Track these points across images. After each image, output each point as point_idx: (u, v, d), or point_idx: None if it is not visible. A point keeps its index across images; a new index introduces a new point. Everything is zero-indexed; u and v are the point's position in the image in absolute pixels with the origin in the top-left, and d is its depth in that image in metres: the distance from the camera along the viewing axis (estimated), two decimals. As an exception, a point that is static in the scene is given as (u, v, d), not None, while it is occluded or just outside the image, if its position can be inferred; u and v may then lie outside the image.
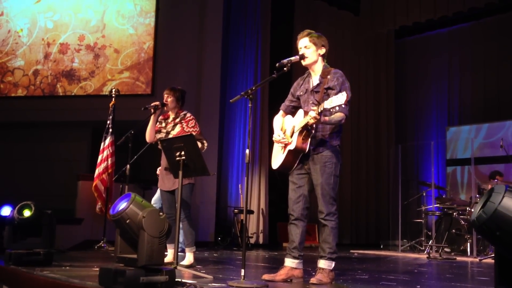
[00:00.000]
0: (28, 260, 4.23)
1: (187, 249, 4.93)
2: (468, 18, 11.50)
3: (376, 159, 12.09)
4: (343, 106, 3.46)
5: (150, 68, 9.87)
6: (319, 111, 3.57)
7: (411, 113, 12.43)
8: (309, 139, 3.81)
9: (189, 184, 4.96)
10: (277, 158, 4.02)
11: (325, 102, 3.51)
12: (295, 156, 3.88)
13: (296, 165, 3.92)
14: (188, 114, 5.12)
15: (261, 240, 9.88)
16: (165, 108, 5.13)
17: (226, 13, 10.30)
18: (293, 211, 3.92)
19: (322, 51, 3.99)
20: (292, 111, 4.11)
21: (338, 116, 3.72)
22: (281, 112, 4.21)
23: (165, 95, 5.14)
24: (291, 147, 3.85)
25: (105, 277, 3.03)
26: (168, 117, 5.18)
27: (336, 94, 3.63)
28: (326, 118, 3.70)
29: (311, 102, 3.91)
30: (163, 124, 5.16)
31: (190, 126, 4.99)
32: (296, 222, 3.91)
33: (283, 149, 3.97)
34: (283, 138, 3.95)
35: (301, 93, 4.06)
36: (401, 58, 12.58)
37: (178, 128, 5.01)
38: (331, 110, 3.49)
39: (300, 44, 4.00)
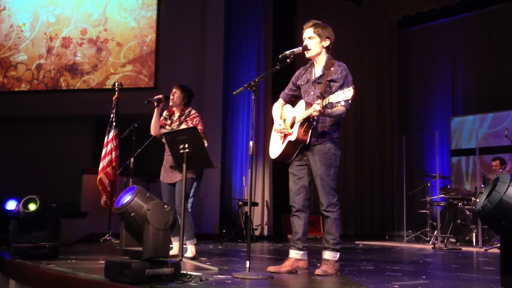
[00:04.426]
0: (34, 254, 4.24)
1: (188, 242, 4.95)
2: (471, 7, 11.42)
3: (380, 150, 12.06)
4: (349, 101, 3.43)
5: (152, 61, 9.87)
6: (324, 104, 3.55)
7: (415, 103, 12.38)
8: (310, 131, 3.80)
9: (191, 179, 4.98)
10: (276, 148, 4.01)
11: (331, 96, 3.48)
12: (295, 147, 3.88)
13: (295, 156, 3.92)
14: (193, 111, 5.11)
15: (265, 232, 9.90)
16: (170, 103, 5.12)
17: (228, 5, 10.27)
18: (294, 202, 3.92)
19: (326, 43, 3.95)
20: (292, 100, 4.09)
21: (340, 110, 3.70)
22: (280, 101, 4.18)
23: (173, 90, 5.12)
24: (292, 138, 3.84)
25: (111, 270, 3.04)
26: (173, 113, 5.17)
27: (340, 87, 3.62)
28: (328, 110, 3.68)
29: (312, 93, 3.89)
30: (168, 121, 5.15)
31: (194, 124, 4.99)
32: (298, 214, 3.91)
33: (282, 139, 3.96)
34: (284, 128, 3.94)
35: (302, 83, 4.04)
36: (404, 49, 12.51)
37: (183, 126, 5.02)
38: (336, 104, 3.47)
39: (304, 35, 3.96)
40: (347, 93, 3.38)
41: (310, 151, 3.86)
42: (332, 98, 3.46)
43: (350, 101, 3.48)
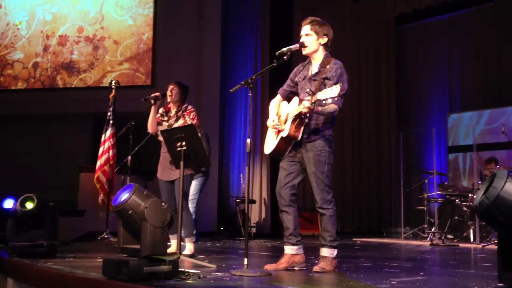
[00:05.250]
0: (31, 252, 4.24)
1: (186, 239, 4.95)
2: (468, 4, 11.43)
3: (377, 147, 12.07)
4: (336, 98, 3.45)
5: (149, 59, 9.85)
6: (313, 101, 3.56)
7: (412, 100, 12.39)
8: (302, 128, 3.81)
9: (190, 175, 4.99)
10: (270, 144, 4.03)
11: (319, 93, 3.51)
12: (287, 144, 3.89)
13: (288, 152, 3.93)
14: (190, 106, 5.14)
15: (263, 230, 9.89)
16: (168, 99, 5.12)
17: (225, 2, 10.25)
18: (280, 197, 3.92)
19: (324, 40, 3.94)
20: (290, 97, 4.09)
21: (331, 108, 3.70)
22: (278, 97, 4.18)
23: (171, 86, 5.13)
24: (284, 134, 3.85)
25: (109, 268, 3.04)
26: (169, 110, 5.18)
27: (332, 85, 3.61)
28: (319, 108, 3.68)
29: (307, 89, 3.90)
30: (165, 118, 5.15)
31: (191, 118, 5.02)
32: (286, 209, 3.91)
33: (276, 135, 3.97)
34: (277, 124, 3.95)
35: (299, 79, 4.04)
36: (401, 45, 12.51)
37: (181, 121, 5.03)
38: (324, 101, 3.47)
39: (302, 31, 3.97)
40: (334, 90, 3.40)
41: (303, 148, 3.87)
42: (320, 95, 3.48)
43: (339, 98, 3.50)
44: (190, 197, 7.19)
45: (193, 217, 7.32)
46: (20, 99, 10.10)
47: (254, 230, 9.55)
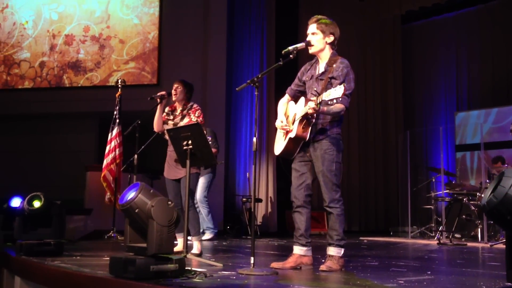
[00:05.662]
0: (39, 251, 4.25)
1: (193, 238, 4.94)
2: (475, 1, 11.37)
3: (384, 145, 12.03)
4: (340, 99, 3.43)
5: (155, 58, 9.86)
6: (318, 102, 3.55)
7: (419, 98, 12.33)
8: (310, 128, 3.80)
9: (196, 173, 4.99)
10: (279, 145, 4.03)
11: (324, 94, 3.50)
12: (296, 144, 3.89)
13: (297, 152, 3.92)
14: (195, 105, 5.15)
15: (270, 228, 9.89)
16: (172, 98, 5.14)
17: (231, 1, 10.24)
18: (295, 198, 3.92)
19: (330, 39, 3.93)
20: (298, 96, 4.09)
21: (338, 107, 3.69)
22: (286, 96, 4.17)
23: (175, 85, 5.14)
24: (292, 135, 3.85)
25: (116, 266, 3.05)
26: (175, 109, 5.19)
27: (338, 85, 3.60)
28: (325, 108, 3.66)
29: (315, 89, 3.89)
30: (171, 117, 5.16)
31: (196, 116, 5.02)
32: (299, 210, 3.90)
33: (284, 136, 3.97)
34: (285, 125, 3.94)
35: (307, 78, 4.03)
36: (408, 44, 12.45)
37: (186, 120, 5.04)
38: (330, 102, 3.46)
39: (308, 30, 3.96)
40: (338, 91, 3.39)
41: (311, 148, 3.87)
42: (325, 96, 3.48)
43: (345, 98, 3.49)
44: (200, 196, 7.22)
45: (209, 215, 7.41)
46: (27, 98, 10.15)
47: (260, 228, 9.54)
